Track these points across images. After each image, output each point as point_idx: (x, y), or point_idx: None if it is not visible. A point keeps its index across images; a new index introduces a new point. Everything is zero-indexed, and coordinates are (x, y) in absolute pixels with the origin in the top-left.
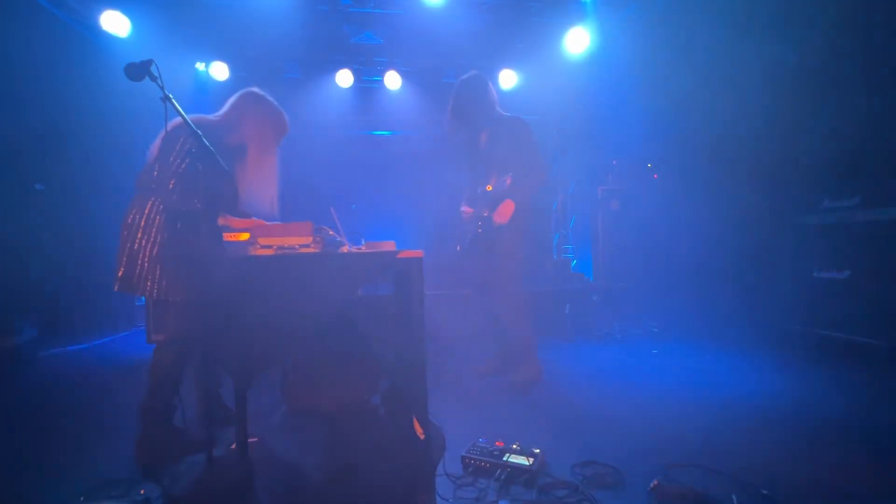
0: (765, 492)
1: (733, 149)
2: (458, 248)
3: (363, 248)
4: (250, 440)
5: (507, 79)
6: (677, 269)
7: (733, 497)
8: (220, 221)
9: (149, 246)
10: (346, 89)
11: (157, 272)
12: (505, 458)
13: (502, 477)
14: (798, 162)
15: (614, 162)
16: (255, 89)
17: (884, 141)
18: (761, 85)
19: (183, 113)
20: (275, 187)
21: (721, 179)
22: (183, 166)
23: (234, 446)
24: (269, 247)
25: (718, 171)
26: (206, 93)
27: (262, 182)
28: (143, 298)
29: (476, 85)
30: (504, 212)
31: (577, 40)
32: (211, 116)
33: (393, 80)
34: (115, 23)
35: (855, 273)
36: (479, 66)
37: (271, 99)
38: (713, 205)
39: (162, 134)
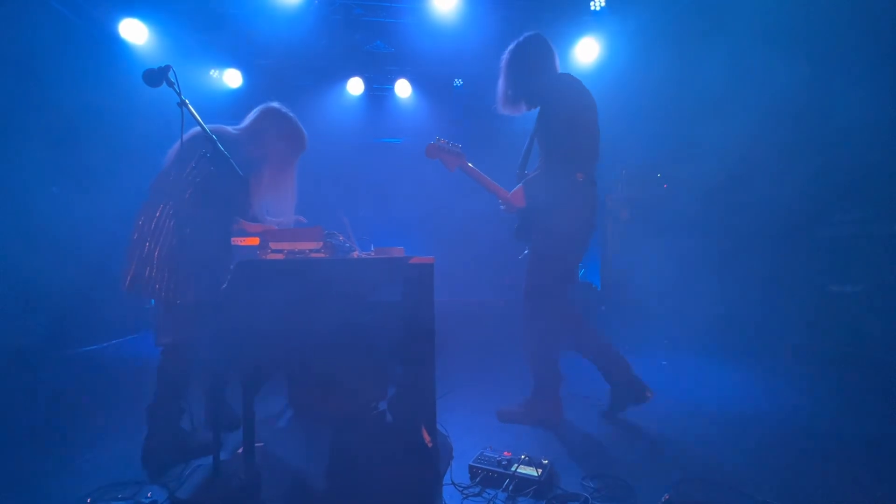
0: None
1: (744, 159)
2: (521, 256)
3: (373, 254)
4: (257, 444)
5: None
6: (687, 280)
7: None
8: (234, 227)
9: (157, 249)
10: (357, 97)
11: (166, 275)
12: (513, 469)
13: (510, 487)
14: (809, 173)
15: (623, 171)
16: (277, 105)
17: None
18: (772, 94)
19: (199, 118)
20: (292, 203)
21: (732, 190)
22: (199, 175)
23: (240, 450)
24: (280, 251)
25: (729, 182)
26: (220, 99)
27: (278, 197)
28: (153, 301)
29: (526, 52)
30: (506, 198)
31: (587, 50)
32: (230, 129)
33: (403, 88)
34: (133, 31)
35: (869, 286)
36: (490, 75)
37: (292, 115)
38: (724, 215)
39: (180, 140)
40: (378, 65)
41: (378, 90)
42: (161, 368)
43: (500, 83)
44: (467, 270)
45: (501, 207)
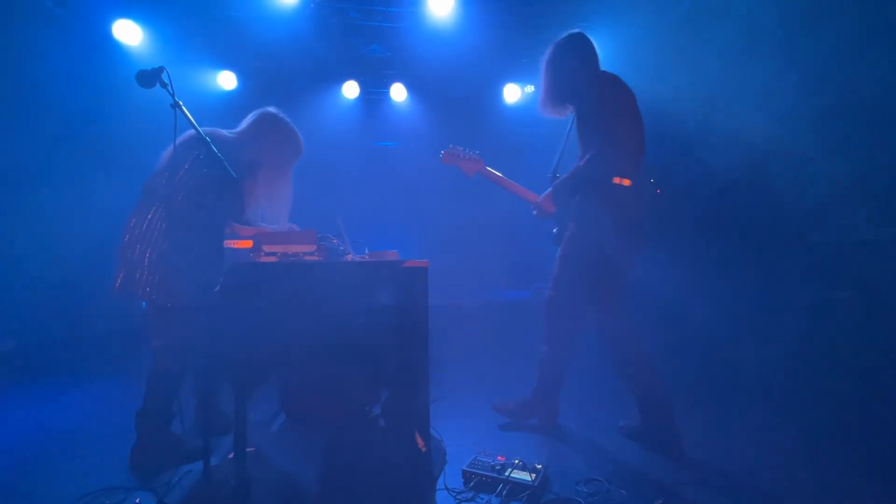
0: None
1: (738, 165)
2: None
3: (367, 258)
4: (248, 450)
5: (512, 93)
6: (679, 285)
7: None
8: (227, 229)
9: (149, 252)
10: (353, 100)
11: (157, 278)
12: (507, 474)
13: (504, 492)
14: (805, 178)
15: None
16: (274, 110)
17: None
18: (767, 101)
19: (192, 119)
20: (287, 209)
21: (725, 196)
22: (192, 177)
23: (231, 455)
24: (273, 254)
25: (722, 187)
26: (214, 101)
27: (273, 202)
28: (144, 303)
29: (565, 52)
30: (535, 201)
31: None
32: (226, 132)
33: (399, 92)
34: (127, 32)
35: (859, 292)
36: (485, 80)
37: (288, 120)
38: (717, 219)
39: (175, 142)
40: (373, 69)
41: (373, 94)
42: (151, 372)
43: (542, 84)
44: (462, 274)
45: (534, 213)
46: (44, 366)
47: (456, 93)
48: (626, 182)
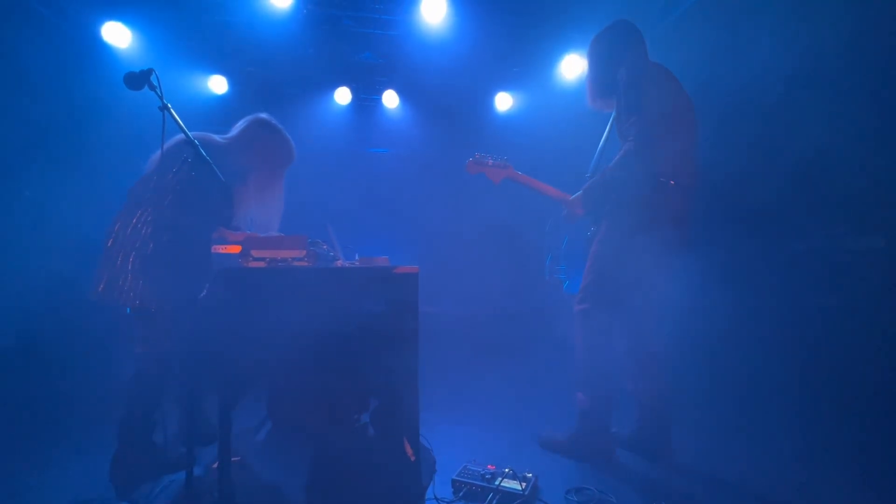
0: None
1: (724, 174)
2: None
3: (357, 264)
4: (233, 459)
5: (504, 102)
6: (667, 289)
7: None
8: (215, 234)
9: (132, 256)
10: (345, 106)
11: (141, 283)
12: (496, 483)
13: (494, 501)
14: (790, 187)
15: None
16: (266, 116)
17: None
18: (753, 112)
19: (181, 122)
20: (278, 216)
21: (712, 204)
22: (179, 181)
23: (215, 465)
24: (262, 259)
25: (709, 196)
26: (204, 105)
27: (264, 209)
28: (129, 309)
29: (609, 41)
30: (566, 201)
31: (572, 67)
32: (218, 138)
33: (391, 99)
34: (116, 34)
35: (846, 300)
36: (477, 88)
37: (280, 127)
38: (703, 227)
39: (163, 147)
40: (366, 75)
41: (365, 100)
42: (133, 379)
43: (587, 77)
44: (453, 281)
45: (564, 213)
46: (20, 368)
47: (448, 100)
48: (666, 180)
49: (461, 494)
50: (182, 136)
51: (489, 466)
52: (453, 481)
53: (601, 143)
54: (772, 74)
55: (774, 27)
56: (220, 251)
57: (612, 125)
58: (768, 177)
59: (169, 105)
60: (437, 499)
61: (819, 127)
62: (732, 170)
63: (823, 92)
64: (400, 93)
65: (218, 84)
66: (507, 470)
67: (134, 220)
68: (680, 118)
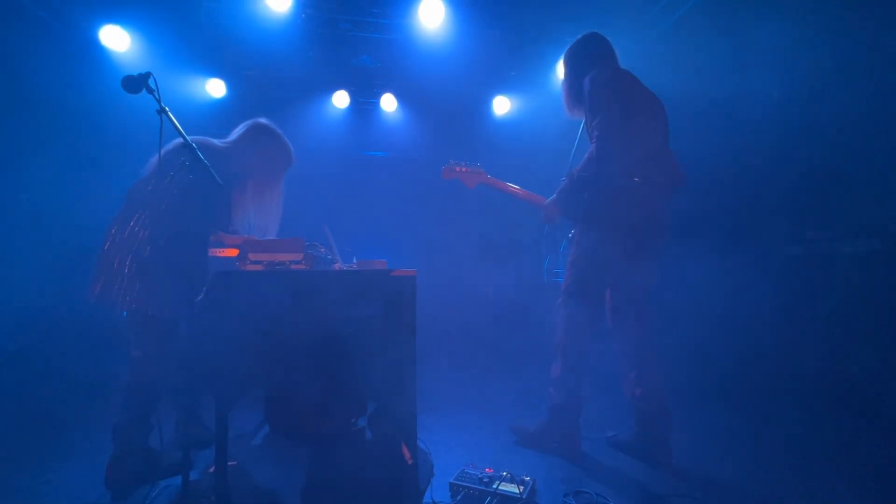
0: None
1: (719, 177)
2: None
3: (355, 266)
4: (229, 463)
5: (501, 105)
6: (661, 292)
7: None
8: (212, 238)
9: (129, 260)
10: (343, 110)
11: (138, 286)
12: (494, 486)
13: None
14: (781, 191)
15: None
16: (265, 121)
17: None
18: (748, 116)
19: (178, 126)
20: (277, 221)
21: (707, 207)
22: (177, 185)
23: (212, 470)
24: (259, 262)
25: (704, 200)
26: (203, 109)
27: (262, 213)
28: (125, 313)
29: (576, 53)
30: (541, 205)
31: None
32: (217, 142)
33: (389, 103)
34: (114, 38)
35: (841, 303)
36: (474, 92)
37: (280, 132)
38: (697, 232)
39: (160, 150)
40: (364, 79)
41: (363, 104)
42: (130, 383)
43: (562, 86)
44: (451, 284)
45: (542, 217)
46: (17, 372)
47: (446, 103)
48: (634, 179)
49: (459, 498)
50: (180, 139)
51: (487, 470)
52: (451, 485)
53: (574, 148)
54: (771, 77)
55: (774, 29)
56: (218, 254)
57: (582, 130)
58: (768, 178)
59: (167, 108)
60: (434, 502)
61: (819, 129)
62: (732, 171)
63: (823, 94)
64: (398, 96)
65: (216, 88)
66: (504, 473)
67: (131, 224)
68: (646, 120)
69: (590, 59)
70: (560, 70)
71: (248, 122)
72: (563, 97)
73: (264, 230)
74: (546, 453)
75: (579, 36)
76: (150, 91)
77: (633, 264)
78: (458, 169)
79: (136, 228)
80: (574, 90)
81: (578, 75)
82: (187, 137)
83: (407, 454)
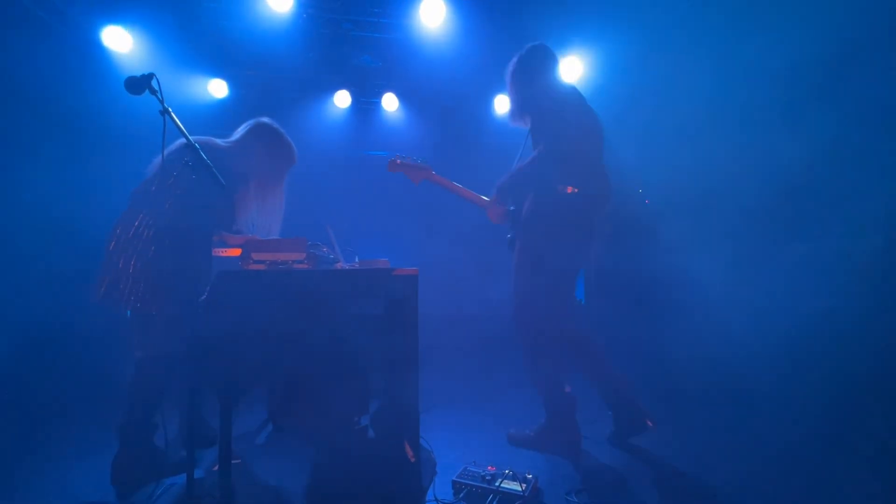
0: None
1: (723, 174)
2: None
3: (357, 266)
4: (233, 462)
5: (503, 104)
6: (664, 290)
7: None
8: (215, 238)
9: (133, 260)
10: (344, 109)
11: (142, 286)
12: (497, 484)
13: (494, 503)
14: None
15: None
16: (267, 120)
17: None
18: (750, 111)
19: (181, 126)
20: (279, 219)
21: (711, 204)
22: (180, 186)
23: (216, 468)
24: (262, 262)
25: (709, 196)
26: (205, 109)
27: (265, 212)
28: (129, 312)
29: (526, 63)
30: (483, 205)
31: (571, 68)
32: (220, 141)
33: (390, 102)
34: (116, 39)
35: (846, 302)
36: (476, 90)
37: (282, 131)
38: (702, 229)
39: (164, 151)
40: (365, 78)
41: (365, 103)
42: (134, 382)
43: (508, 96)
44: (452, 283)
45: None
46: (22, 371)
47: (447, 103)
48: (570, 189)
49: (461, 496)
50: (183, 140)
51: (489, 468)
52: (454, 482)
53: (518, 158)
54: (772, 76)
55: (772, 28)
56: (221, 254)
57: (527, 138)
58: (769, 177)
59: (170, 109)
60: (437, 500)
61: (819, 127)
62: (730, 172)
63: (823, 93)
64: (399, 96)
65: (218, 88)
66: (507, 471)
67: (136, 224)
68: (585, 135)
69: (538, 71)
70: (508, 79)
71: (251, 122)
72: (509, 105)
73: (267, 229)
74: (547, 453)
75: (527, 46)
76: (153, 92)
77: (573, 266)
78: (399, 162)
79: (141, 228)
80: (520, 99)
81: (525, 86)
82: (190, 138)
83: (410, 452)
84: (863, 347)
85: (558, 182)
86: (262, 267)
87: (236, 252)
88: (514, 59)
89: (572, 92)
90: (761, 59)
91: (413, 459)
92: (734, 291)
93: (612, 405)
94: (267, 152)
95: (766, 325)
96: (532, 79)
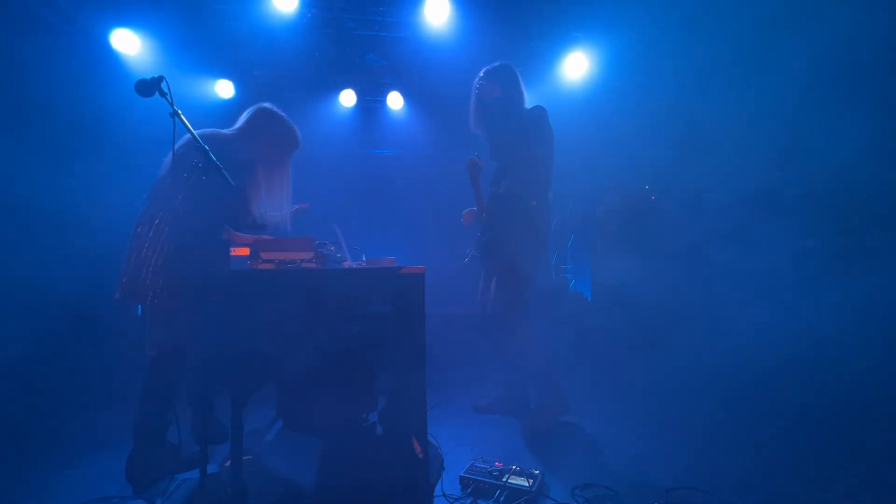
0: None
1: (729, 171)
2: (466, 259)
3: (364, 265)
4: (245, 458)
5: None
6: (675, 290)
7: None
8: (224, 236)
9: (153, 257)
10: (350, 108)
11: (161, 283)
12: (504, 480)
13: (501, 498)
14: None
15: (609, 182)
16: (268, 105)
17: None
18: (760, 113)
19: (191, 128)
20: (288, 198)
21: (717, 201)
22: (191, 186)
23: (228, 463)
24: (271, 261)
25: (718, 193)
26: (212, 109)
27: (274, 196)
28: (140, 309)
29: (497, 79)
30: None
31: (577, 65)
32: (225, 131)
33: (395, 101)
34: (125, 42)
35: (848, 298)
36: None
37: (284, 115)
38: (712, 226)
39: (173, 150)
40: (370, 77)
41: (370, 102)
42: (148, 380)
43: (471, 106)
44: (459, 281)
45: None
46: (40, 370)
47: (452, 100)
48: (534, 203)
49: (469, 491)
50: (190, 136)
51: (497, 463)
52: (461, 478)
53: (493, 161)
54: (777, 77)
55: (784, 30)
56: (231, 253)
57: (491, 146)
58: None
59: (179, 111)
60: (445, 495)
61: (829, 127)
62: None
63: (829, 93)
64: (404, 94)
65: (224, 88)
66: (514, 467)
67: (156, 221)
68: (551, 154)
69: (501, 89)
70: (478, 88)
71: (253, 108)
72: (471, 114)
73: (278, 209)
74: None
75: (495, 64)
76: (163, 94)
77: (537, 269)
78: (481, 163)
79: (162, 226)
80: (483, 111)
81: (489, 100)
82: (199, 140)
83: (418, 448)
84: (863, 348)
85: (531, 197)
86: (270, 266)
87: (245, 251)
88: (482, 77)
89: (545, 114)
90: (776, 56)
91: (421, 455)
92: (734, 291)
93: (512, 390)
94: (271, 135)
95: (766, 325)
96: (497, 96)
